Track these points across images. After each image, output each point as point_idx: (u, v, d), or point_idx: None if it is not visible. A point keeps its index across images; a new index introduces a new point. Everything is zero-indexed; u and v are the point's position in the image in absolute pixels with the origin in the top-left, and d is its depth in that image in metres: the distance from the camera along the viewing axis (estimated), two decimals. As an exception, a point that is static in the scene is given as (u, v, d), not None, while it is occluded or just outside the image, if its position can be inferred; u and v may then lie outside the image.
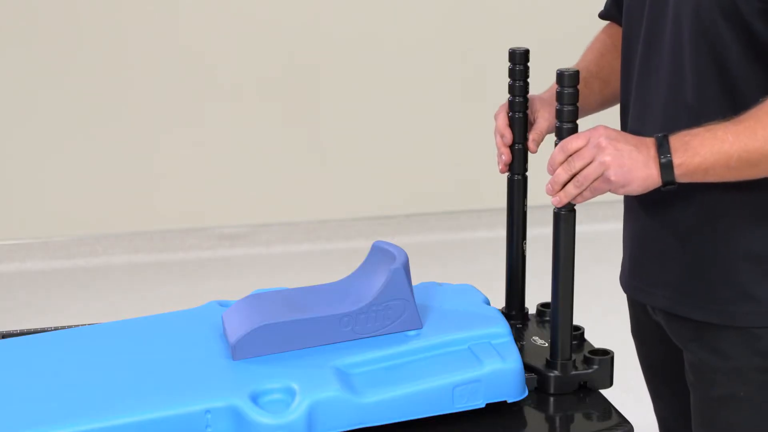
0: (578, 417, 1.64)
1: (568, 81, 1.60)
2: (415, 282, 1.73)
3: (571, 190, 1.59)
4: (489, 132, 4.85)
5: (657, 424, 1.99)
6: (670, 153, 1.55)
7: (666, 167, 1.55)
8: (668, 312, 1.75)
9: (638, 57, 1.73)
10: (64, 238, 4.64)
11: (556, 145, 1.61)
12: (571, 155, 1.58)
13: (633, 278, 1.80)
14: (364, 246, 4.58)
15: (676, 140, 1.56)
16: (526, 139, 1.81)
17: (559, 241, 1.63)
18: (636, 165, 1.55)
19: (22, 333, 1.79)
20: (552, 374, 1.66)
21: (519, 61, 1.79)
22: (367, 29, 4.66)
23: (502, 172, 1.83)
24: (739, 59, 1.60)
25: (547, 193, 1.62)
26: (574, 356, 1.69)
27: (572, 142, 1.58)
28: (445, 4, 4.70)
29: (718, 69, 1.61)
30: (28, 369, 1.60)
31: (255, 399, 1.49)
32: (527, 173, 1.83)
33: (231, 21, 4.57)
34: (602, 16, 1.95)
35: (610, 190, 1.58)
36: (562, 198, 1.60)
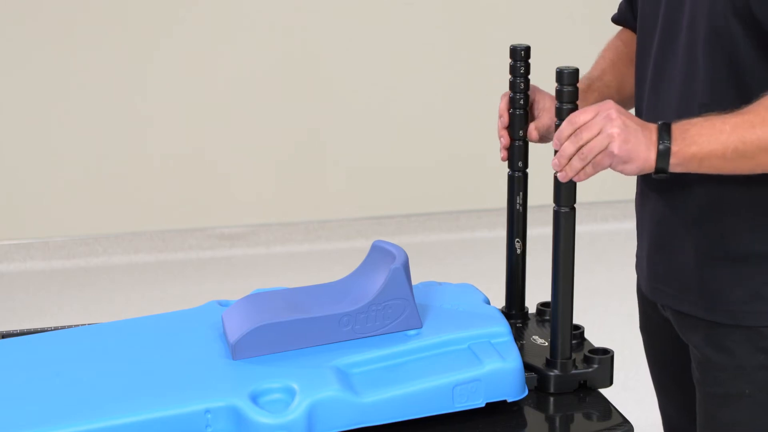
0: (578, 417, 1.63)
1: (567, 79, 1.60)
2: (415, 282, 1.73)
3: (576, 163, 1.58)
4: (489, 132, 4.84)
5: (659, 423, 1.99)
6: (669, 140, 1.56)
7: (663, 154, 1.56)
8: (677, 310, 1.75)
9: (652, 61, 1.74)
10: (64, 238, 4.64)
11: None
12: (578, 128, 1.58)
13: (648, 276, 1.81)
14: (364, 246, 4.58)
15: (677, 128, 1.57)
16: (526, 135, 1.81)
17: (559, 239, 1.63)
18: (639, 145, 1.56)
19: (22, 333, 1.79)
20: (552, 373, 1.65)
21: (520, 57, 1.79)
22: (367, 30, 4.66)
23: (503, 159, 1.82)
24: (752, 60, 1.60)
25: (554, 167, 1.61)
26: (574, 355, 1.69)
27: (581, 115, 1.58)
28: (447, 4, 4.70)
29: (732, 70, 1.62)
30: (28, 369, 1.60)
31: (255, 399, 1.49)
32: (527, 170, 1.83)
33: (231, 20, 4.57)
34: (615, 20, 1.96)
35: (610, 166, 1.58)
36: (568, 172, 1.59)
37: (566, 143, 1.58)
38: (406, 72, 4.71)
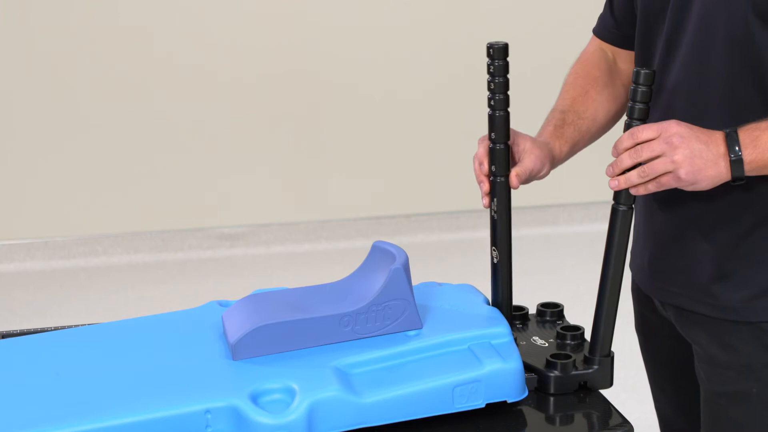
0: (578, 417, 1.64)
1: (643, 79, 1.60)
2: (415, 282, 1.73)
3: (634, 178, 1.59)
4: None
5: (657, 423, 1.99)
6: (740, 150, 1.56)
7: (737, 164, 1.56)
8: (679, 307, 1.75)
9: (656, 64, 1.73)
10: (64, 238, 4.64)
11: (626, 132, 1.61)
12: (639, 144, 1.58)
13: (651, 275, 1.81)
14: (364, 246, 4.59)
15: (745, 136, 1.57)
16: (507, 137, 1.72)
17: (614, 237, 1.65)
18: (706, 164, 1.56)
19: (22, 333, 1.79)
20: (552, 374, 1.66)
21: (498, 56, 1.70)
22: (367, 31, 4.66)
23: (485, 206, 1.73)
24: None
25: (607, 174, 1.62)
26: (574, 356, 1.69)
27: (643, 132, 1.58)
28: (446, 8, 4.70)
29: (755, 71, 1.62)
30: (28, 369, 1.60)
31: (255, 399, 1.49)
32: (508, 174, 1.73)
33: (231, 21, 4.57)
34: (597, 34, 1.93)
35: (678, 187, 1.58)
36: (621, 183, 1.61)
37: (624, 155, 1.59)
38: (406, 71, 4.71)
